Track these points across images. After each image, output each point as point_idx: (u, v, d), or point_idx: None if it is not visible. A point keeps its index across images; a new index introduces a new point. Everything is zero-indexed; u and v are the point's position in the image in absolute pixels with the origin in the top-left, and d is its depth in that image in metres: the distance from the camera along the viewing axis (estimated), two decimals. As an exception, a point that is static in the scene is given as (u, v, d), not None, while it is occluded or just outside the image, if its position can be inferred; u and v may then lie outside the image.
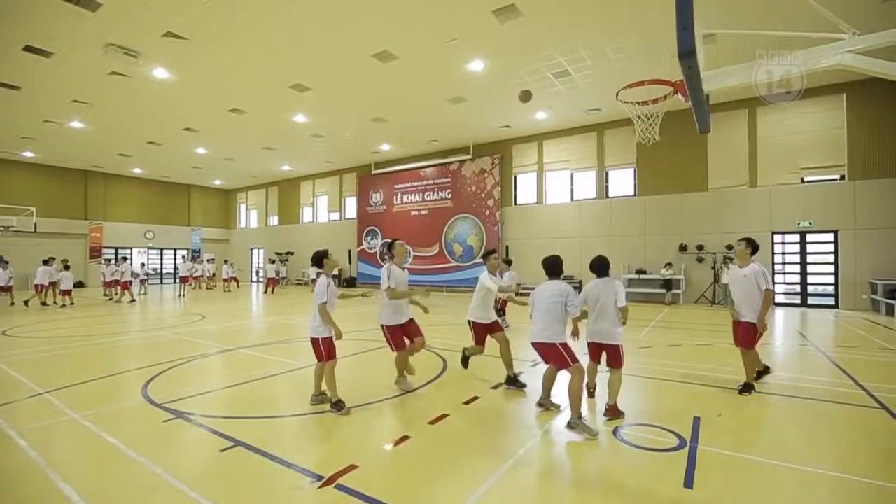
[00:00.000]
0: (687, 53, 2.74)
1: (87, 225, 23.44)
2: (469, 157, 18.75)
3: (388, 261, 5.22)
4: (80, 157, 21.32)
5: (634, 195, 15.51)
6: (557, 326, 3.98)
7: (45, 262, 14.27)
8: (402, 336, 5.01)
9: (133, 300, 15.84)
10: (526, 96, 6.95)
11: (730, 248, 13.54)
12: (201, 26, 9.62)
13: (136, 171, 24.27)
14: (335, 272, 23.10)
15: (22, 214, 19.60)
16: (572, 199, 16.80)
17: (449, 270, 18.74)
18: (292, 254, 25.27)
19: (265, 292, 19.57)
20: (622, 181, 15.87)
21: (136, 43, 10.34)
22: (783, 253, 13.73)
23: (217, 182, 28.11)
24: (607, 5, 8.87)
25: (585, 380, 4.51)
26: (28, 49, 10.59)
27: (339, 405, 4.34)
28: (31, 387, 5.28)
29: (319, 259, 4.80)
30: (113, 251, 24.42)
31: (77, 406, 4.58)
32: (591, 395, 4.70)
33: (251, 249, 28.73)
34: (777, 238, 13.57)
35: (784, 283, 13.87)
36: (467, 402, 4.64)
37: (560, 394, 4.45)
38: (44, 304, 13.98)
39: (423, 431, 3.91)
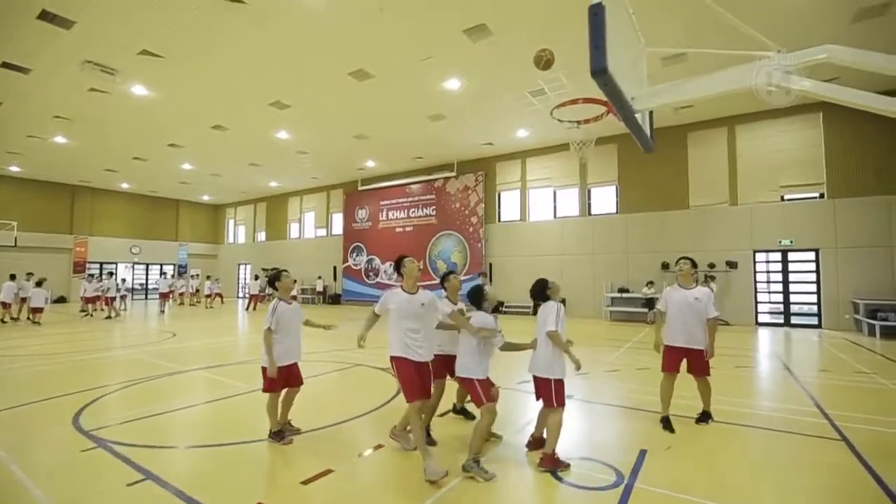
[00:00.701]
0: (599, 72, 2.65)
1: (72, 239, 23.28)
2: (453, 174, 18.76)
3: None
4: (67, 172, 21.26)
5: (616, 213, 15.46)
6: (473, 359, 3.68)
7: (12, 278, 14.01)
8: (418, 377, 3.56)
9: (109, 316, 15.59)
10: (546, 61, 4.69)
11: (712, 266, 13.46)
12: (176, 45, 9.64)
13: (124, 186, 24.23)
14: (319, 288, 22.89)
15: (3, 229, 19.42)
16: (555, 216, 16.74)
17: (433, 287, 18.43)
18: (278, 269, 25.02)
19: (247, 309, 19.32)
20: (604, 199, 15.84)
21: (112, 60, 10.35)
22: (767, 272, 13.61)
23: (205, 197, 28.07)
24: (575, 24, 8.89)
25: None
26: (6, 65, 10.60)
27: (278, 435, 4.13)
28: (-42, 412, 5.06)
29: (272, 281, 4.58)
30: (98, 266, 24.23)
31: (-3, 433, 4.37)
32: (533, 446, 3.94)
33: (238, 265, 28.54)
34: (759, 257, 13.46)
35: (768, 303, 13.71)
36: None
37: (501, 424, 4.25)
38: (15, 319, 13.73)
39: (349, 464, 3.70)
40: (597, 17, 2.65)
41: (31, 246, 21.22)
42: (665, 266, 14.22)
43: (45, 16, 8.58)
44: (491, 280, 17.61)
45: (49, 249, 22.29)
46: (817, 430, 4.59)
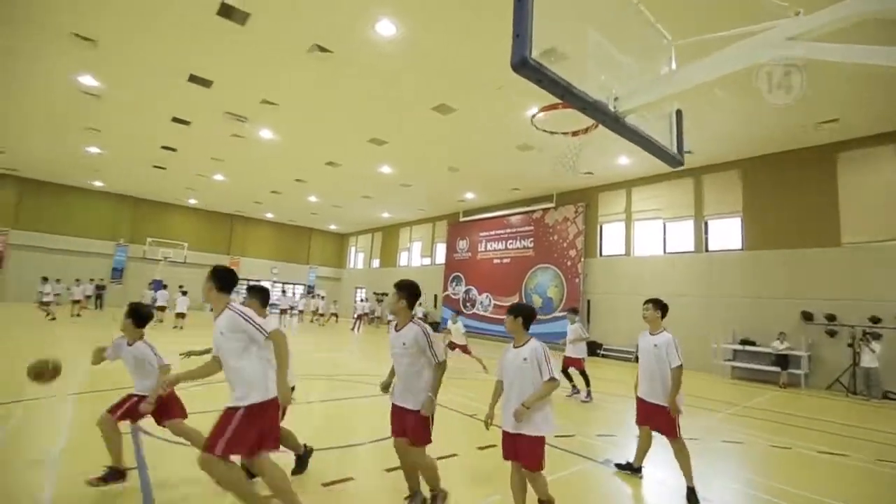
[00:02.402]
0: (518, 64, 2.25)
1: (228, 259, 27.98)
2: (552, 205, 18.00)
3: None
4: (227, 203, 25.89)
5: (742, 249, 13.03)
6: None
7: (165, 287, 17.30)
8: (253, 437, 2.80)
9: None
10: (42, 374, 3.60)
11: (876, 320, 10.42)
12: (285, 93, 11.14)
13: (269, 215, 28.53)
14: (420, 314, 23.48)
15: (177, 248, 24.26)
16: (665, 251, 14.80)
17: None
18: (387, 294, 26.58)
19: (352, 329, 20.70)
20: (725, 233, 13.52)
21: (242, 110, 12.39)
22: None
23: (332, 227, 31.49)
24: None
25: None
26: (175, 120, 13.44)
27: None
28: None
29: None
30: (245, 282, 28.61)
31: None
32: None
33: (356, 288, 31.04)
34: (955, 313, 10.00)
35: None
36: (326, 485, 3.79)
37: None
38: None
39: None
40: (521, 2, 2.28)
41: (196, 263, 26.08)
42: (807, 316, 11.42)
43: (192, 78, 10.70)
44: (589, 319, 16.17)
45: (210, 267, 27.01)
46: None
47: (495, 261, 20.41)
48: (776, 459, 5.29)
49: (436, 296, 23.46)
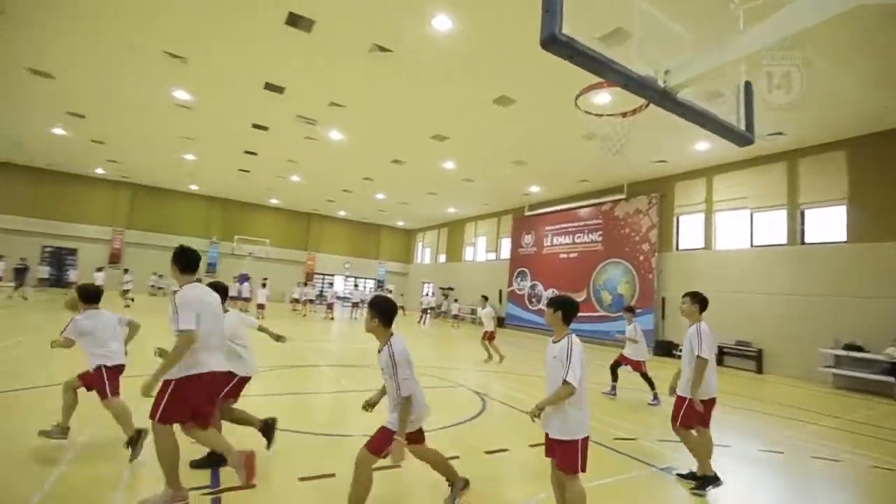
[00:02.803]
0: (549, 40, 2.13)
1: (305, 255, 29.89)
2: (623, 196, 17.04)
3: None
4: (304, 203, 27.61)
5: (846, 242, 11.45)
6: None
7: (248, 280, 18.90)
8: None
9: (325, 317, 19.50)
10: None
11: None
12: (351, 94, 11.59)
13: (341, 213, 29.99)
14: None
15: (261, 244, 26.35)
16: (752, 244, 13.41)
17: (594, 320, 16.94)
18: (452, 289, 26.86)
19: (418, 322, 21.17)
20: (826, 223, 11.95)
21: (312, 113, 13.10)
22: None
23: (400, 223, 32.39)
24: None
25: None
26: (255, 126, 14.56)
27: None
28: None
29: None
30: (321, 276, 30.40)
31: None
32: None
33: (423, 283, 31.69)
34: None
35: None
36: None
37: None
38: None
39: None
40: (551, -24, 2.15)
41: (278, 258, 28.18)
42: (932, 319, 9.77)
43: (267, 86, 11.50)
44: (664, 316, 15.17)
45: (290, 262, 29.16)
46: None
47: (562, 255, 19.79)
48: (879, 484, 4.60)
49: (500, 291, 23.26)
